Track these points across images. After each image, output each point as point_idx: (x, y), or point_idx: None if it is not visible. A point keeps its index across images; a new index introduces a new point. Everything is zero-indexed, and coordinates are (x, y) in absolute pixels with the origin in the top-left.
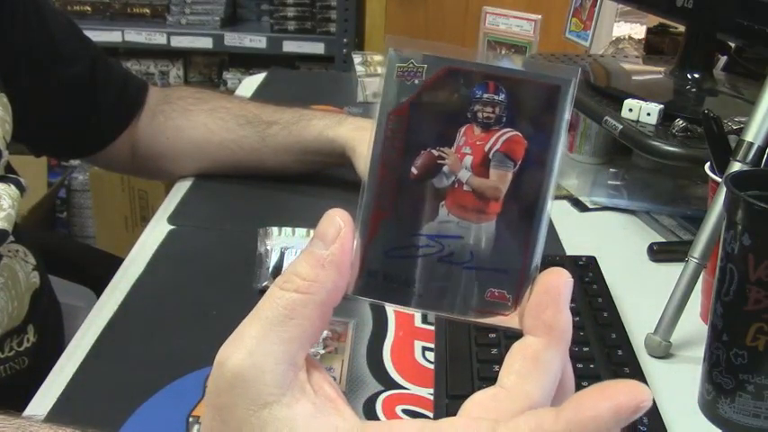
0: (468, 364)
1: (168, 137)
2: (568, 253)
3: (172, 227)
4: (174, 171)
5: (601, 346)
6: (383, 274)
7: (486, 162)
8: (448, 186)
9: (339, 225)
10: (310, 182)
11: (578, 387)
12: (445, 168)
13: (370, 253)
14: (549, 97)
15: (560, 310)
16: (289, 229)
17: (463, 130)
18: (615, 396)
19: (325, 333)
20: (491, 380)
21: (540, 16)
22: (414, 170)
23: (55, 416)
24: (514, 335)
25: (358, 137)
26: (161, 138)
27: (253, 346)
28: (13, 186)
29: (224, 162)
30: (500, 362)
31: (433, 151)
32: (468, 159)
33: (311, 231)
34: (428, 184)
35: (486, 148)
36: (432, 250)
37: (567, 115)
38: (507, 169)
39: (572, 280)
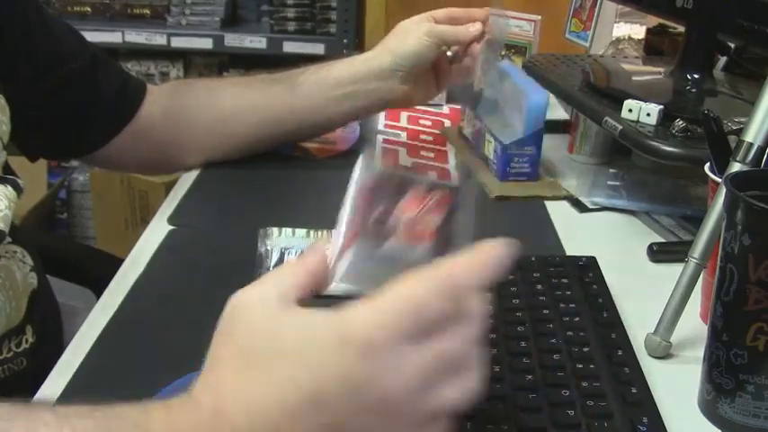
0: None
1: (201, 108)
2: (568, 253)
3: (172, 227)
4: (204, 148)
5: (601, 346)
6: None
7: (423, 212)
8: (398, 225)
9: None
10: (310, 182)
11: (579, 386)
12: (397, 215)
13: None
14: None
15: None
16: (289, 230)
17: (409, 193)
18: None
19: None
20: (491, 380)
21: (540, 16)
22: (376, 215)
23: None
24: (515, 336)
25: (391, 35)
26: (194, 111)
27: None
28: (9, 187)
29: (259, 126)
30: (499, 362)
31: (389, 205)
32: (412, 211)
33: (311, 232)
34: (386, 224)
35: (423, 204)
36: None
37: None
38: (437, 216)
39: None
